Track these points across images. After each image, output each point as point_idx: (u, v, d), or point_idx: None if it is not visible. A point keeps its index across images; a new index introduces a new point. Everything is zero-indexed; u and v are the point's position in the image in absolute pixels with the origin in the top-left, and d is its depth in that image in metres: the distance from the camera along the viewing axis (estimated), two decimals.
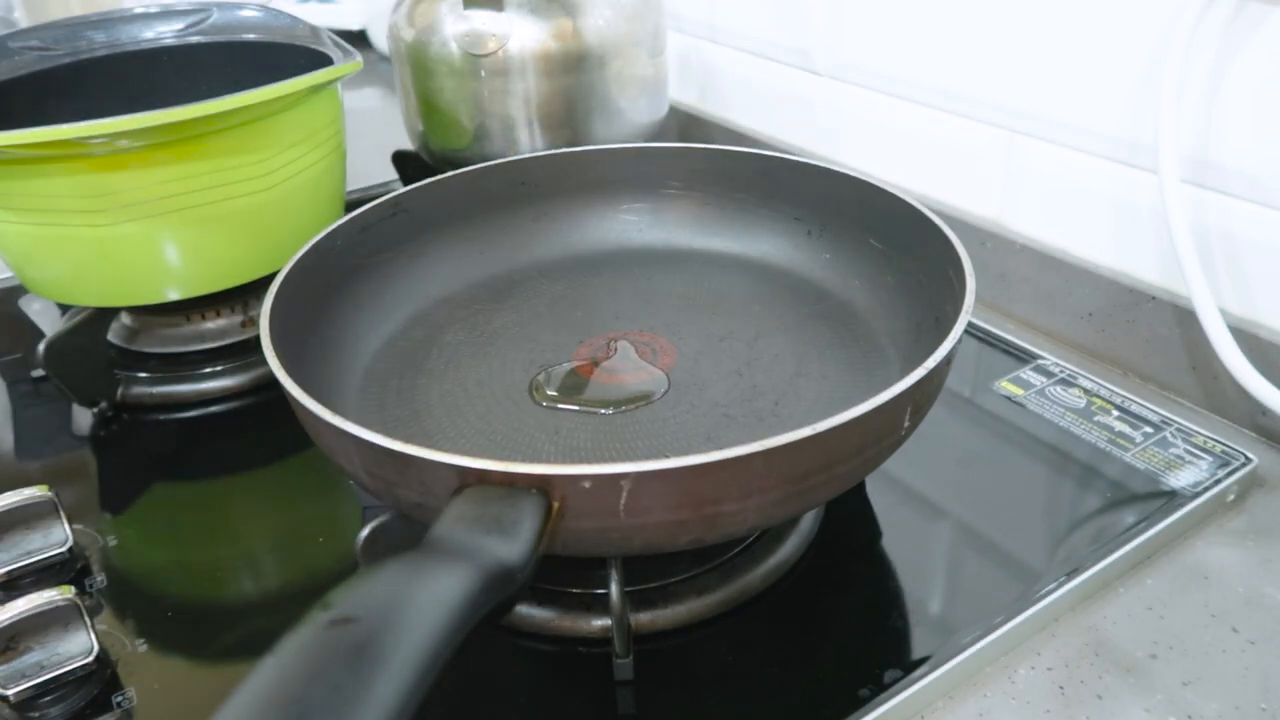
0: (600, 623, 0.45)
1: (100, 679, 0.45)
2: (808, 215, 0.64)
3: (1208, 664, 0.45)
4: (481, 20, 0.77)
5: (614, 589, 0.42)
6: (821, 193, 0.62)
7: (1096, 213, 0.67)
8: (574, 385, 0.54)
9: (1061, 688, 0.44)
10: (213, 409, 0.66)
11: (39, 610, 0.44)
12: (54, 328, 0.64)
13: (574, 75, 0.79)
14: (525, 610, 0.46)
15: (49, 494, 0.51)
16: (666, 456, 0.35)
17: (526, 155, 0.67)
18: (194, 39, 0.78)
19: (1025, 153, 0.70)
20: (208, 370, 0.67)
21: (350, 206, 0.62)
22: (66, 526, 0.51)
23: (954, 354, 0.42)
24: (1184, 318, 0.62)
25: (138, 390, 0.66)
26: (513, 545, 0.33)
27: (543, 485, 0.35)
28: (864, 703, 0.41)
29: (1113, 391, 0.62)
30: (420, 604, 0.29)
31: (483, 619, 0.31)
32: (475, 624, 0.31)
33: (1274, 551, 0.51)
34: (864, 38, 0.80)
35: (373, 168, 0.95)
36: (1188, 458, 0.56)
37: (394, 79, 0.87)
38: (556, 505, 0.35)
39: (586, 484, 0.35)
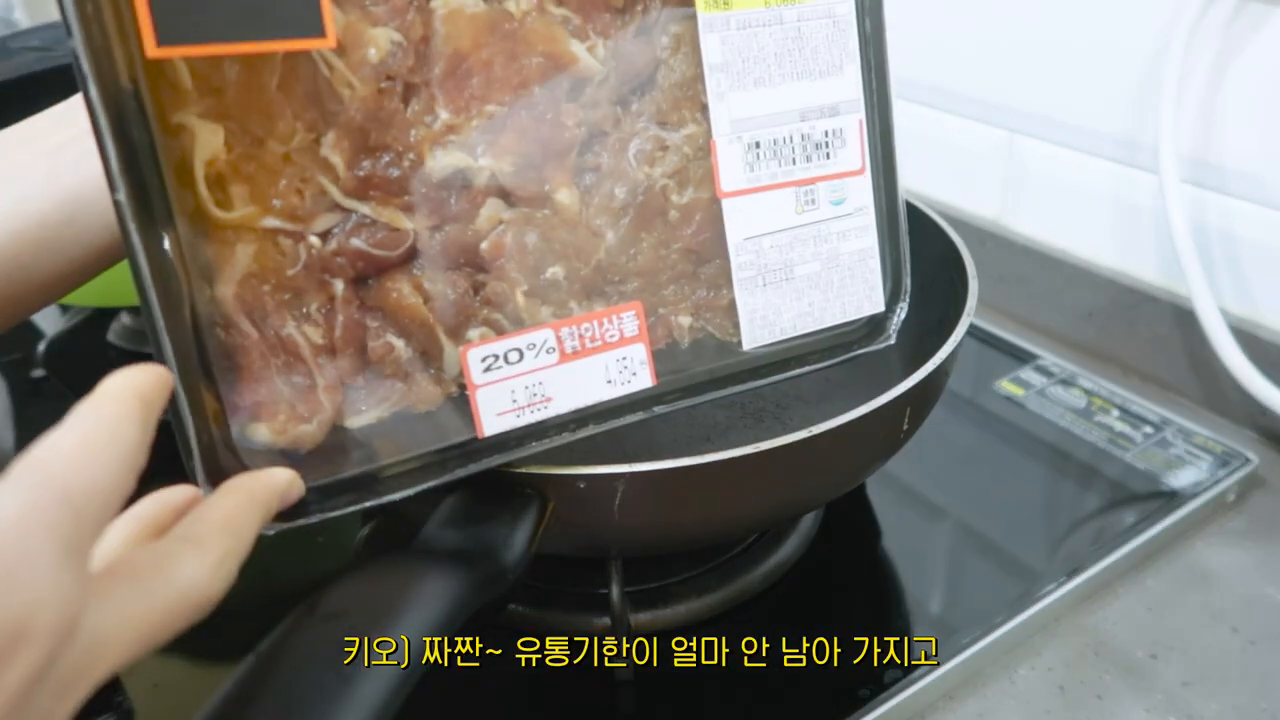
0: (600, 622, 0.45)
1: None
2: None
3: (1208, 664, 0.45)
4: None
5: (614, 589, 0.42)
6: None
7: (1096, 213, 0.67)
8: None
9: (1061, 688, 0.44)
10: None
11: None
12: (54, 328, 0.64)
13: None
14: (526, 610, 0.46)
15: None
16: (663, 458, 0.35)
17: None
18: None
19: (1025, 153, 0.70)
20: None
21: None
22: None
23: (954, 358, 0.42)
24: (1184, 318, 0.62)
25: None
26: (504, 545, 0.33)
27: (537, 485, 0.35)
28: (864, 703, 0.41)
29: (1113, 391, 0.62)
30: (407, 602, 0.29)
31: (472, 617, 0.31)
32: (464, 622, 0.31)
33: (1274, 551, 0.51)
34: None
35: None
36: (1188, 458, 0.56)
37: None
38: (550, 505, 0.35)
39: (581, 484, 0.35)
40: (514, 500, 0.35)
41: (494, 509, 0.34)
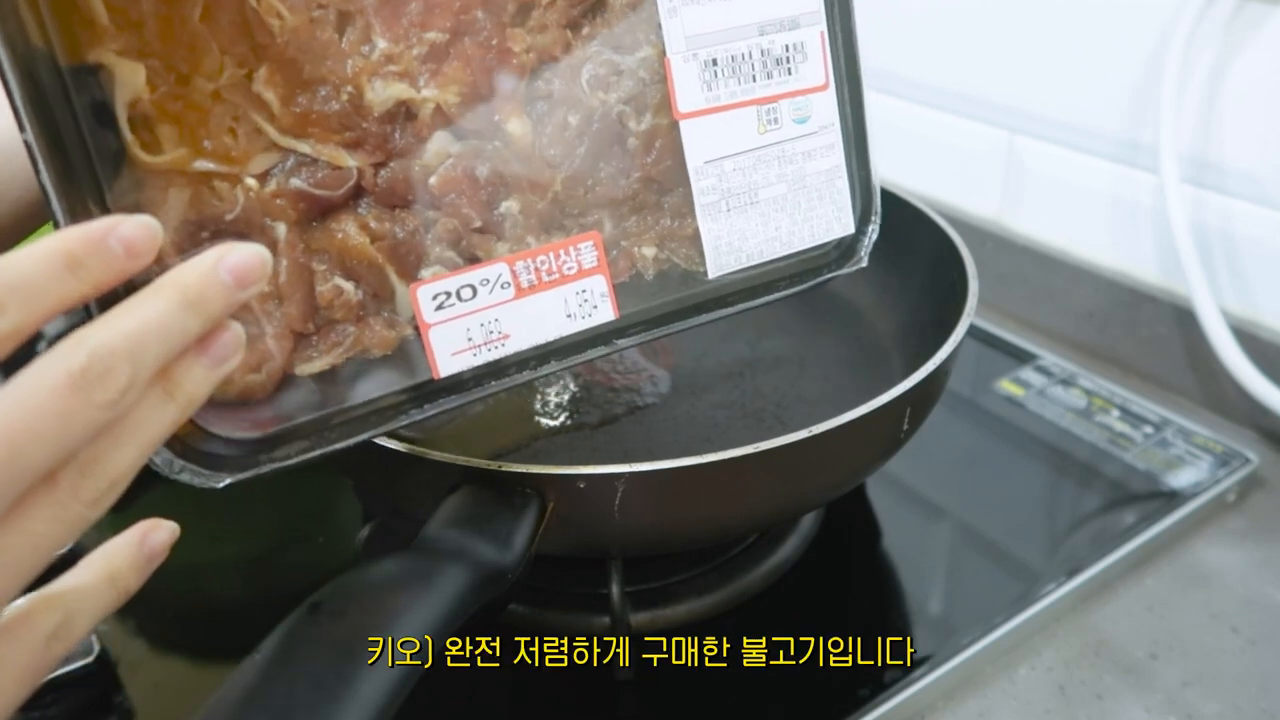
0: (600, 622, 0.45)
1: (101, 679, 0.45)
2: None
3: (1208, 664, 0.45)
4: None
5: (614, 589, 0.42)
6: None
7: (1096, 213, 0.67)
8: (575, 389, 0.54)
9: (1062, 688, 0.44)
10: None
11: None
12: (54, 328, 0.64)
13: None
14: (526, 609, 0.46)
15: None
16: (663, 458, 0.35)
17: None
18: None
19: (1025, 153, 0.70)
20: None
21: None
22: None
23: (954, 358, 0.42)
24: (1184, 318, 0.62)
25: None
26: (504, 545, 0.33)
27: (537, 485, 0.35)
28: (864, 703, 0.42)
29: (1113, 392, 0.62)
30: (406, 602, 0.29)
31: (473, 617, 0.31)
32: (463, 622, 0.31)
33: (1274, 551, 0.51)
34: (863, 38, 0.80)
35: None
36: (1188, 458, 0.56)
37: None
38: (550, 505, 0.35)
39: (581, 484, 0.35)
40: (514, 500, 0.35)
41: (494, 509, 0.34)
